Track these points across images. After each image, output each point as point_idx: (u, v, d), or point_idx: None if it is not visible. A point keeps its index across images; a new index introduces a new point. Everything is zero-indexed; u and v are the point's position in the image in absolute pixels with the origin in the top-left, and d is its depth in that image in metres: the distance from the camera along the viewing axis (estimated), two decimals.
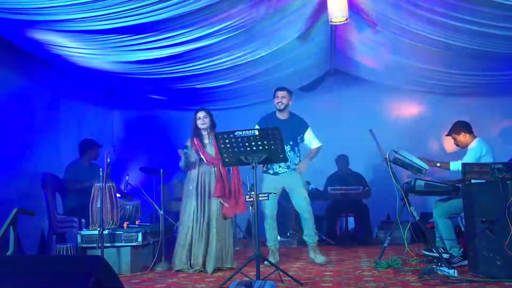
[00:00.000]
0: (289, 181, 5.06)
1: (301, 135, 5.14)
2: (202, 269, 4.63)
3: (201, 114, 4.88)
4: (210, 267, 4.61)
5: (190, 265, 4.68)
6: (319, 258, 4.96)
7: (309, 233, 5.07)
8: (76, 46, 4.89)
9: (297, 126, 5.14)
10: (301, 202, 5.06)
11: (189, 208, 4.78)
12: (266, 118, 5.20)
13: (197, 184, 4.80)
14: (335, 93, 7.75)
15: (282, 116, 5.14)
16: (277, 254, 5.12)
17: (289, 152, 4.98)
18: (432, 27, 4.91)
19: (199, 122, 4.87)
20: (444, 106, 7.27)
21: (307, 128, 5.16)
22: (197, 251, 4.69)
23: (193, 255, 4.69)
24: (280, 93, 5.09)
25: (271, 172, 5.07)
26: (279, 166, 5.03)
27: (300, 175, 5.11)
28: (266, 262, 4.44)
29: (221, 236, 4.76)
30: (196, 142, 4.83)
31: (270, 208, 5.05)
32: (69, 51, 5.03)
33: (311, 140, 5.17)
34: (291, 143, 5.03)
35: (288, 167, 5.04)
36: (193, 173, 4.86)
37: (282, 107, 5.08)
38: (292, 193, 5.10)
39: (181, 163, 4.88)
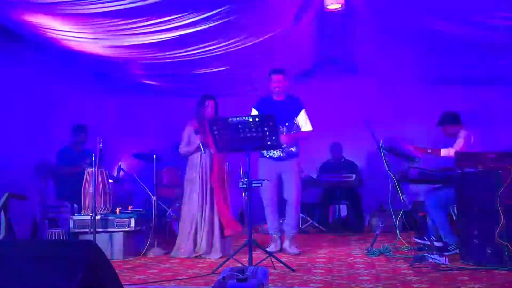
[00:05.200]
0: (286, 168, 4.95)
1: (296, 116, 4.98)
2: (203, 255, 4.67)
3: (210, 102, 4.87)
4: (215, 255, 4.65)
5: (195, 252, 4.74)
6: (294, 249, 4.86)
7: (291, 223, 4.97)
8: (68, 29, 4.82)
9: (293, 107, 4.98)
10: (292, 191, 4.95)
11: (194, 195, 4.81)
12: (262, 100, 5.07)
13: (200, 171, 4.82)
14: (329, 81, 7.72)
15: (278, 97, 5.00)
16: (278, 242, 5.04)
17: (286, 133, 4.86)
18: (427, 15, 4.89)
19: (206, 110, 4.86)
20: (438, 96, 7.26)
21: (301, 110, 4.99)
22: (201, 239, 4.73)
23: (198, 242, 4.74)
24: (276, 77, 4.92)
25: (267, 156, 4.95)
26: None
27: (297, 165, 5.00)
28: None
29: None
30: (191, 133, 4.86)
31: (268, 194, 4.96)
32: (62, 34, 4.96)
33: (302, 122, 5.00)
34: (287, 124, 4.90)
35: (282, 151, 4.87)
36: (195, 159, 4.88)
37: (280, 91, 4.94)
38: (286, 180, 4.99)
39: (183, 149, 4.90)
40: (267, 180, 4.82)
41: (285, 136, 4.80)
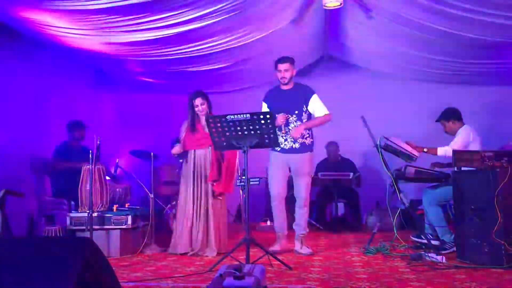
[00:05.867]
0: (297, 163, 4.73)
1: (306, 104, 4.73)
2: (200, 252, 4.66)
3: (198, 101, 4.81)
4: (211, 253, 4.64)
5: (192, 248, 4.72)
6: (305, 249, 4.72)
7: (300, 223, 4.81)
8: (67, 26, 4.81)
9: (302, 94, 4.74)
10: (301, 190, 4.77)
11: (187, 191, 4.81)
12: (270, 92, 4.92)
13: (194, 167, 4.82)
14: (327, 79, 7.70)
15: (286, 87, 4.77)
16: (283, 241, 4.87)
17: (295, 122, 4.68)
18: (426, 14, 4.89)
19: (196, 110, 4.83)
20: (436, 94, 7.27)
21: (312, 95, 4.73)
22: (196, 234, 4.72)
23: (193, 238, 4.73)
24: (283, 66, 4.68)
25: (278, 149, 4.76)
26: (285, 140, 4.70)
27: (310, 160, 4.81)
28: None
29: (218, 220, 4.80)
30: (185, 131, 4.87)
31: (276, 188, 4.79)
32: (60, 31, 4.94)
33: (315, 107, 4.71)
34: (296, 112, 4.68)
35: (295, 142, 4.72)
36: (190, 156, 4.88)
37: (286, 81, 4.71)
38: (295, 177, 4.81)
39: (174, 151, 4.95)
40: (276, 174, 4.76)
41: (295, 131, 4.62)
